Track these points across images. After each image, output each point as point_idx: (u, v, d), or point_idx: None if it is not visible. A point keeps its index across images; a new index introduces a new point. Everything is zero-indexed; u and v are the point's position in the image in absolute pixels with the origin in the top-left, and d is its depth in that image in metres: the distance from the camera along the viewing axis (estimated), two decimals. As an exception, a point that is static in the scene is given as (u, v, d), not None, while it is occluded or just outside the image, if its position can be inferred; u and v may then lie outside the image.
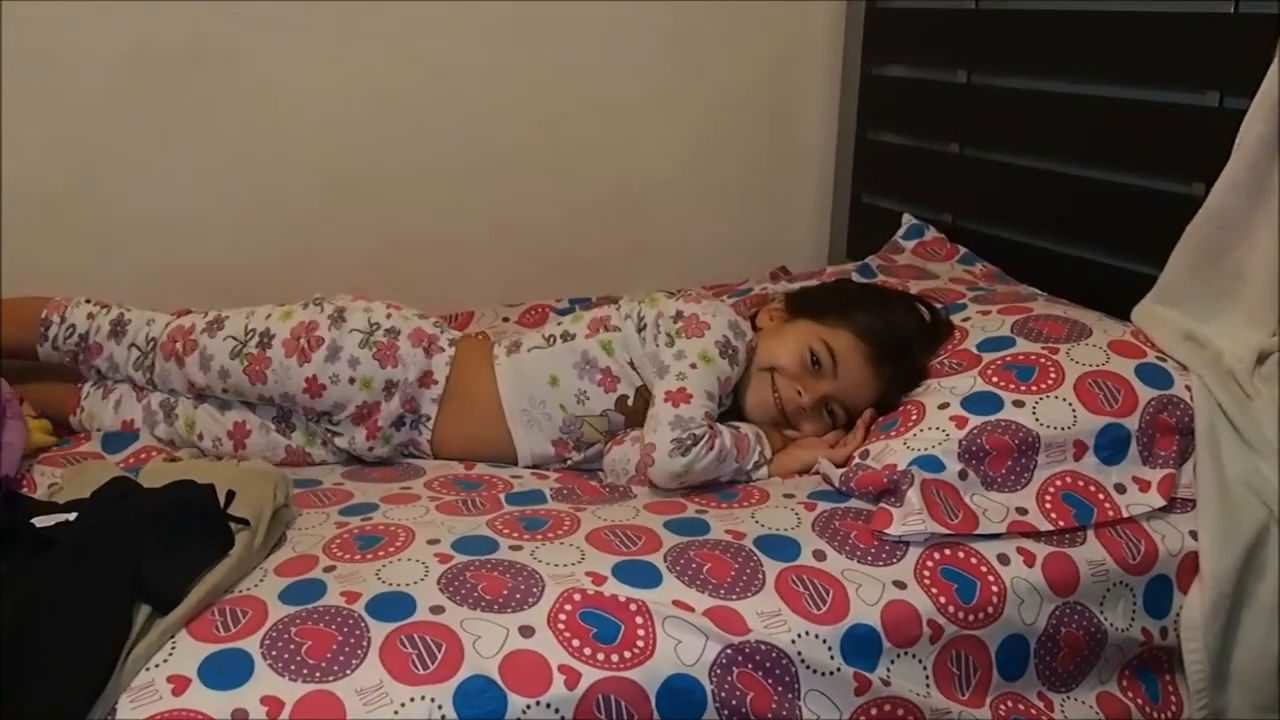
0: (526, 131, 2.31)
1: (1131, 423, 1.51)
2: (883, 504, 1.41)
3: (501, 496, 1.52)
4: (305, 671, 1.14)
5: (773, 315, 1.74)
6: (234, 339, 1.69)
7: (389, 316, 1.72)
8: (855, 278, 2.06)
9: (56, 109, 2.01)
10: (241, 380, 1.67)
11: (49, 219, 2.05)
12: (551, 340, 1.72)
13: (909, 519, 1.38)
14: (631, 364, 1.67)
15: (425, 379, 1.70)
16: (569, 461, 1.71)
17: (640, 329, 1.67)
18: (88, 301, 1.79)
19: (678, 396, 1.54)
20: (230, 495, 1.32)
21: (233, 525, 1.30)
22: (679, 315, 1.63)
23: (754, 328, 1.73)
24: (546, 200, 2.37)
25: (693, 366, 1.58)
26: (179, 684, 1.12)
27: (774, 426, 1.66)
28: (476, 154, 2.29)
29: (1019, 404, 1.50)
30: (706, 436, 1.51)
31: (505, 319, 2.12)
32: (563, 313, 2.10)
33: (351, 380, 1.66)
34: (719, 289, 2.24)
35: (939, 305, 1.78)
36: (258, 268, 2.18)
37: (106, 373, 1.78)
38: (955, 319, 1.74)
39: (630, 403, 1.67)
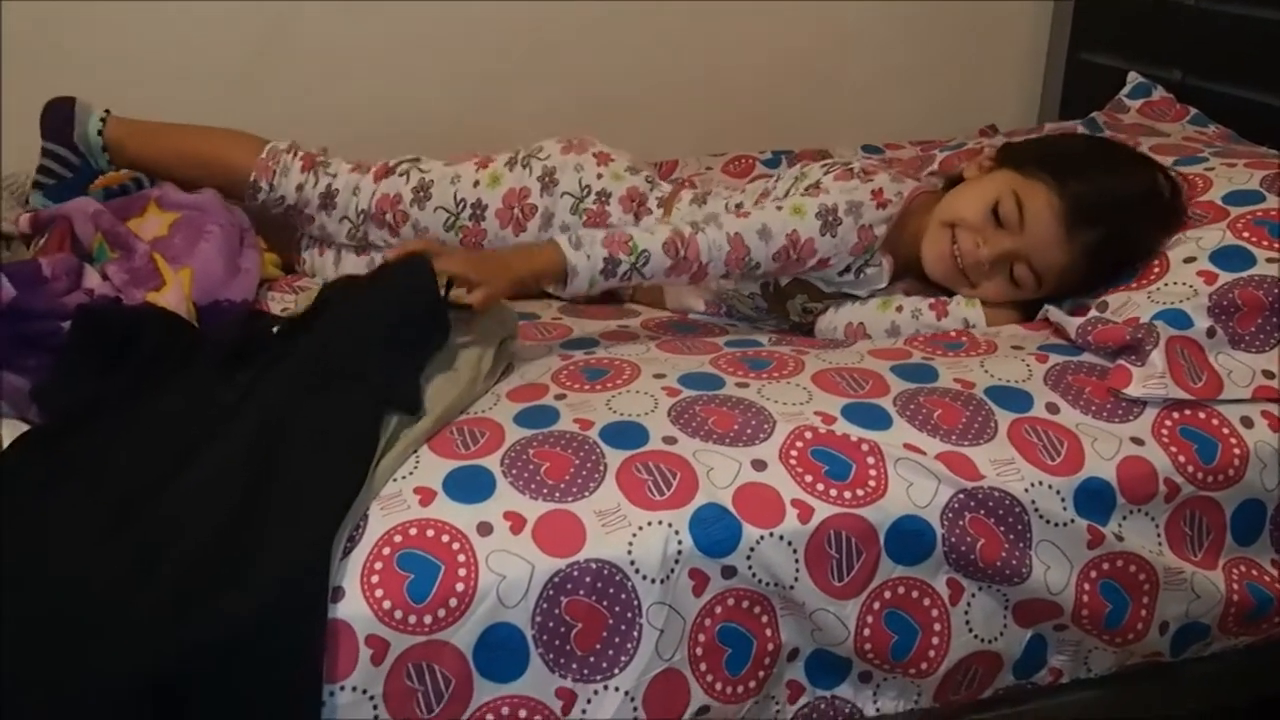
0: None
1: (1392, 287, 1.41)
2: (1121, 361, 1.36)
3: (719, 341, 1.51)
4: (545, 491, 1.17)
5: (981, 166, 1.63)
6: (445, 210, 1.70)
7: (599, 176, 1.72)
8: (1081, 131, 1.96)
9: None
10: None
11: (259, 60, 2.09)
12: (728, 209, 1.68)
13: (1150, 381, 1.32)
14: None
15: None
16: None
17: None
18: (297, 158, 1.74)
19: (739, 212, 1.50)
20: (449, 284, 1.33)
21: (454, 315, 1.32)
22: (816, 184, 1.56)
23: (960, 180, 1.66)
24: (747, 50, 2.32)
25: (778, 208, 1.51)
26: (425, 495, 1.16)
27: (954, 285, 1.58)
28: (678, 3, 2.25)
29: (1273, 260, 1.42)
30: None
31: (708, 168, 2.09)
32: (767, 164, 2.06)
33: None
34: (926, 145, 2.17)
35: (1174, 172, 1.63)
36: (460, 115, 2.20)
37: (320, 237, 1.80)
38: (1196, 169, 1.63)
39: (770, 290, 1.65)
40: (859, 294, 1.60)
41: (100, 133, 1.75)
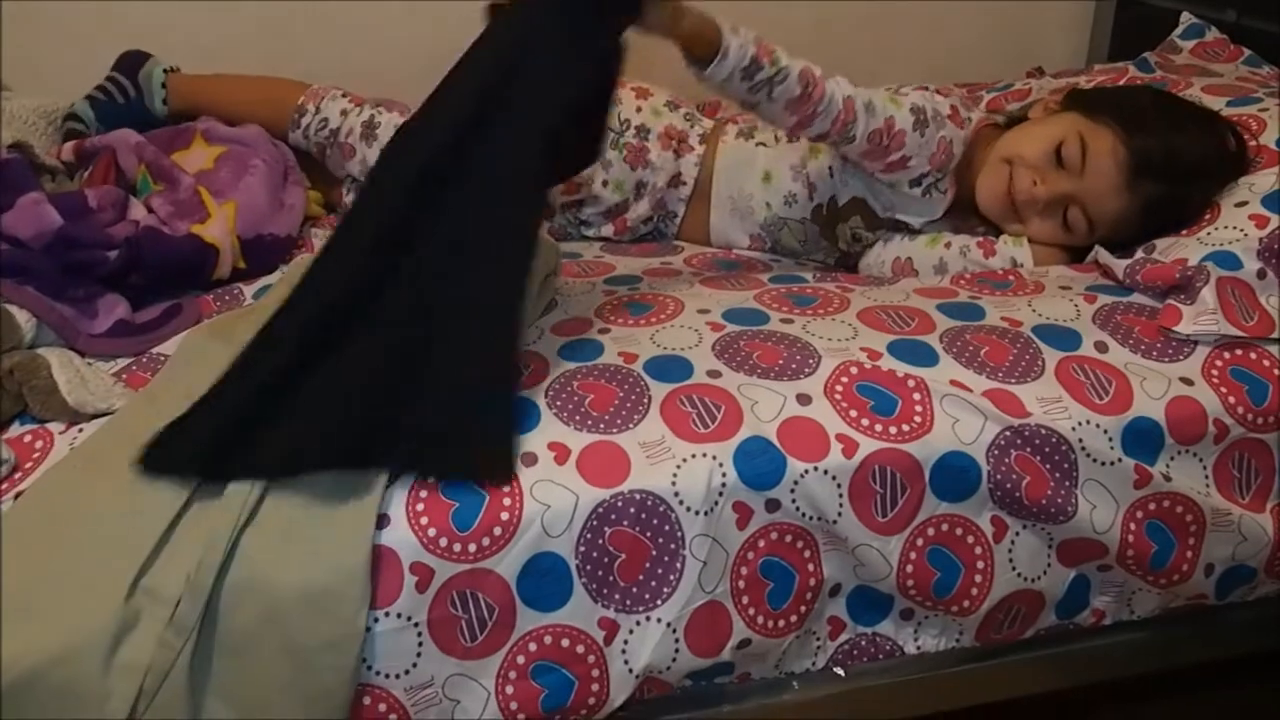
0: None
1: None
2: (1171, 300, 1.34)
3: (763, 277, 1.50)
4: (590, 423, 1.17)
5: (1047, 107, 1.61)
6: None
7: (639, 110, 1.70)
8: (1132, 71, 1.92)
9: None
10: None
11: (298, 10, 2.08)
12: (778, 139, 1.70)
13: (1201, 318, 1.30)
14: (830, 170, 1.62)
15: (674, 180, 1.70)
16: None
17: None
18: (344, 96, 1.76)
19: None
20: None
21: None
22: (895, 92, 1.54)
23: (1022, 120, 1.63)
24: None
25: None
26: (470, 426, 1.16)
27: (1005, 223, 1.57)
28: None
29: (1329, 203, 1.40)
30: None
31: (751, 108, 2.06)
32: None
33: (604, 183, 1.68)
34: (972, 86, 2.14)
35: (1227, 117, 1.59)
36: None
37: (359, 177, 1.76)
38: (1250, 110, 1.60)
39: (824, 212, 1.64)
40: (913, 222, 1.59)
41: (165, 70, 1.83)
